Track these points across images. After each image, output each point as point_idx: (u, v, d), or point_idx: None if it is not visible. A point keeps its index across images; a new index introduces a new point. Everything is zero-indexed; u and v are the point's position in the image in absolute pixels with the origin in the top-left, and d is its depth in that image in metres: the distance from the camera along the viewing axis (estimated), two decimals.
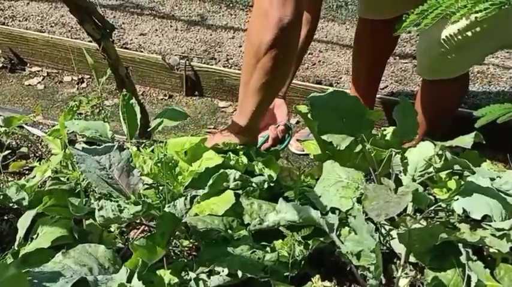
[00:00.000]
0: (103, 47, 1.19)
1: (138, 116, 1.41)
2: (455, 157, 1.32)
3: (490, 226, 1.12)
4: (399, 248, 1.24)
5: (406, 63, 2.42)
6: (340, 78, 2.25)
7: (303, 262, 1.13)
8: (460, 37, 1.49)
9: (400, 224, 1.32)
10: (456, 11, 1.15)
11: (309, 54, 2.40)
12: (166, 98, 2.28)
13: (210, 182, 1.14)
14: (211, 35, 2.52)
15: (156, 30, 2.54)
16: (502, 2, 1.10)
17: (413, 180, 1.25)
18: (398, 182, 1.35)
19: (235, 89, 2.22)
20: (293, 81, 2.19)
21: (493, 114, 1.33)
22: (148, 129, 1.48)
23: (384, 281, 1.22)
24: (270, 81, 1.35)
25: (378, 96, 2.07)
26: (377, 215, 1.03)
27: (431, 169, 1.31)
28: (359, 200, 1.27)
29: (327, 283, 1.11)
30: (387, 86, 2.23)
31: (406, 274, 1.24)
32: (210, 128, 2.13)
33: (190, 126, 2.13)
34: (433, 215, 1.38)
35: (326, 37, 2.52)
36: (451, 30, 1.48)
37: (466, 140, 1.42)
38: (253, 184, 1.22)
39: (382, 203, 1.08)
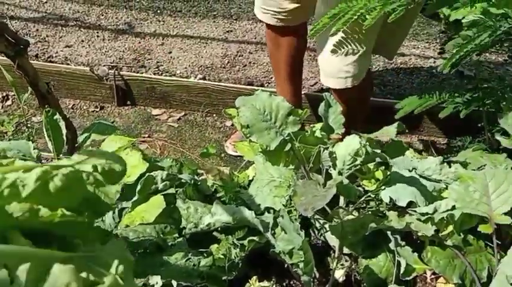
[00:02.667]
0: (18, 64, 1.15)
1: (64, 131, 1.37)
2: (376, 149, 1.38)
3: (415, 211, 1.17)
4: (333, 240, 1.28)
5: None
6: (271, 78, 2.29)
7: (240, 264, 1.15)
8: (356, 45, 1.55)
9: (333, 217, 1.36)
10: (366, 13, 1.20)
11: (239, 56, 2.42)
12: (98, 109, 2.23)
13: (138, 187, 1.13)
14: (139, 42, 2.49)
15: (83, 41, 2.48)
16: (409, 2, 1.16)
17: (340, 173, 1.29)
18: (329, 177, 1.39)
19: (167, 96, 2.21)
20: (225, 83, 2.21)
21: (410, 106, 1.41)
22: (76, 145, 1.44)
23: (320, 275, 1.26)
24: None
25: (307, 93, 2.12)
26: (305, 210, 1.06)
27: (358, 162, 1.36)
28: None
29: (265, 283, 1.12)
30: (316, 83, 2.28)
31: (342, 265, 1.28)
32: (144, 137, 2.11)
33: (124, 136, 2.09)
34: (364, 205, 1.43)
35: (255, 38, 2.55)
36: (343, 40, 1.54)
37: (390, 131, 1.49)
38: (182, 181, 1.22)
39: (310, 198, 1.11)
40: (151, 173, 1.19)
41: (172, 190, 1.20)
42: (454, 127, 1.47)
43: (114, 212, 1.07)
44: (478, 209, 1.06)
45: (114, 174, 0.46)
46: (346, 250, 1.30)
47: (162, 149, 2.06)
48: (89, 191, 0.44)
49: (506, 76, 1.54)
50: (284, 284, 1.25)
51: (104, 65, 2.25)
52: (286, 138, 1.38)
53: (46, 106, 1.38)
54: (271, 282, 1.15)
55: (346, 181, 1.19)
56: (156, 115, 2.22)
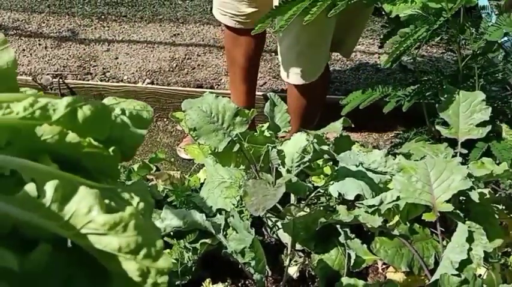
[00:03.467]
0: None
1: None
2: (324, 146, 1.41)
3: (362, 204, 1.20)
4: (285, 238, 1.30)
5: None
6: (221, 80, 2.28)
7: (193, 268, 1.14)
8: (314, 39, 1.57)
9: (285, 215, 1.37)
10: (308, 10, 1.22)
11: (188, 59, 2.40)
12: None
13: None
14: (84, 49, 2.42)
15: (24, 50, 2.39)
16: None
17: (288, 171, 1.31)
18: (279, 175, 1.40)
19: None
20: (174, 87, 2.19)
21: (355, 101, 1.44)
22: None
23: (275, 272, 1.27)
24: None
25: (257, 93, 2.13)
26: (256, 210, 1.07)
27: (306, 159, 1.38)
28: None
29: (219, 285, 1.12)
30: (266, 82, 2.30)
31: (295, 261, 1.30)
32: None
33: None
34: (315, 201, 1.46)
35: (203, 41, 2.54)
36: (304, 35, 1.56)
37: (336, 127, 1.51)
38: None
39: (261, 198, 1.12)
40: None
41: None
42: (399, 120, 1.51)
43: None
44: (421, 199, 1.10)
45: (141, 120, 0.46)
46: (299, 247, 1.32)
47: None
48: (115, 130, 0.44)
49: (444, 68, 1.60)
50: (239, 284, 1.26)
51: (48, 74, 2.18)
52: (234, 139, 1.38)
53: None
54: (226, 283, 1.15)
55: (295, 179, 1.21)
56: None
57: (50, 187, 0.35)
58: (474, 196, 1.09)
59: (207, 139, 1.34)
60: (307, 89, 1.69)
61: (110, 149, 0.42)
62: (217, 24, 2.71)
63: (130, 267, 0.36)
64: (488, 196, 1.29)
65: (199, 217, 1.10)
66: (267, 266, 1.09)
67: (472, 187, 1.07)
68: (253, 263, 0.99)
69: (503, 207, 1.36)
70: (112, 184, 0.43)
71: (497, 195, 1.46)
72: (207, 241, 1.12)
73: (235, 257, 1.04)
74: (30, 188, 0.35)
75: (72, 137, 0.39)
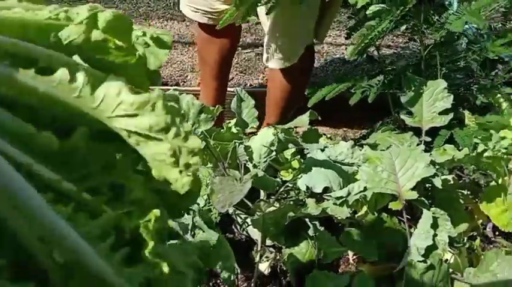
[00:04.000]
0: None
1: None
2: (287, 137, 1.40)
3: (330, 196, 1.20)
4: (255, 234, 1.29)
5: (248, 52, 2.50)
6: (186, 76, 2.26)
7: None
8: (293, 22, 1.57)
9: (255, 211, 1.36)
10: None
11: None
12: None
13: None
14: None
15: None
16: None
17: (256, 166, 1.30)
18: (248, 171, 1.39)
19: None
20: None
21: (321, 93, 1.44)
22: None
23: (246, 269, 1.26)
24: None
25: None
26: (222, 207, 1.06)
27: (274, 153, 1.37)
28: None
29: None
30: (233, 77, 2.28)
31: (266, 257, 1.29)
32: None
33: None
34: (285, 196, 1.45)
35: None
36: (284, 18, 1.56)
37: (303, 120, 1.51)
38: None
39: (227, 194, 1.11)
40: None
41: None
42: (366, 112, 1.52)
43: None
44: (387, 188, 1.10)
45: (162, 43, 0.46)
46: (269, 242, 1.31)
47: None
48: (138, 46, 0.44)
49: (410, 58, 1.62)
50: (210, 283, 1.24)
51: None
52: (200, 136, 1.36)
53: None
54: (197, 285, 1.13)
55: (261, 173, 1.20)
56: None
57: (81, 74, 0.36)
58: (437, 182, 1.10)
59: None
60: (287, 73, 1.68)
61: (136, 53, 0.41)
62: (182, 20, 2.67)
63: (163, 148, 0.37)
64: (452, 182, 1.31)
65: None
66: (236, 264, 1.08)
67: (435, 174, 1.08)
68: (220, 262, 0.98)
69: (468, 192, 1.39)
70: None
71: (461, 181, 1.49)
72: (175, 242, 1.10)
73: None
74: (63, 72, 0.36)
75: (97, 34, 0.39)
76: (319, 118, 1.50)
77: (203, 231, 1.04)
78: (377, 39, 1.44)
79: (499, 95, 1.45)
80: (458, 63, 1.39)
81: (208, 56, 1.85)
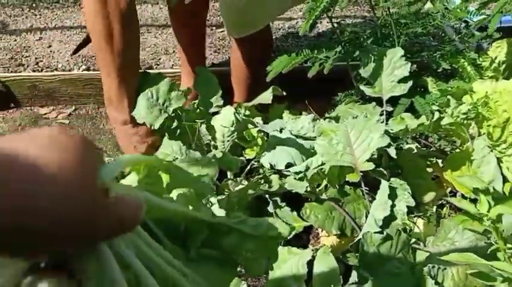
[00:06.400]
0: None
1: None
2: (256, 117, 1.40)
3: (289, 171, 1.20)
4: (221, 213, 1.29)
5: (223, 31, 2.47)
6: (160, 59, 2.24)
7: None
8: None
9: (223, 190, 1.37)
10: None
11: None
12: None
13: None
14: (15, 40, 2.33)
15: None
16: None
17: (216, 147, 1.30)
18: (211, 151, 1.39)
19: (53, 93, 2.10)
20: None
21: (279, 67, 1.42)
22: None
23: None
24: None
25: None
26: None
27: (235, 133, 1.37)
28: None
29: None
30: (207, 57, 2.26)
31: None
32: None
33: None
34: (253, 174, 1.45)
35: (141, 20, 2.47)
36: None
37: (266, 97, 1.50)
38: None
39: None
40: None
41: None
42: (329, 84, 1.51)
43: None
44: (343, 160, 1.10)
45: None
46: None
47: None
48: None
49: (367, 27, 1.59)
50: None
51: None
52: (172, 115, 1.35)
53: None
54: None
55: (219, 154, 1.19)
56: (44, 114, 2.11)
57: None
58: (392, 152, 1.10)
59: (146, 117, 1.31)
60: (250, 48, 1.66)
61: None
62: (155, 3, 2.63)
63: None
64: (415, 151, 1.31)
65: None
66: None
67: (389, 144, 1.07)
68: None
69: (438, 160, 1.39)
70: None
71: (431, 149, 1.48)
72: None
73: None
74: None
75: None
76: (284, 93, 1.49)
77: None
78: (327, 11, 1.41)
79: (462, 61, 1.43)
80: (414, 29, 1.37)
81: (183, 35, 1.85)
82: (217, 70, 2.05)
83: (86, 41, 1.62)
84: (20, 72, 2.13)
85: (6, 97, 2.09)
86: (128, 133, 1.43)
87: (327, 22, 2.40)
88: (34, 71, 2.15)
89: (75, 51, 1.84)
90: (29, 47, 2.29)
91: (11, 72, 2.13)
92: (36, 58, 2.23)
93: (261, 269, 0.51)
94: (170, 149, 1.35)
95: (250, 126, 1.29)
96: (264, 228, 0.52)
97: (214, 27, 2.48)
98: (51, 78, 2.07)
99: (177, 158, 1.27)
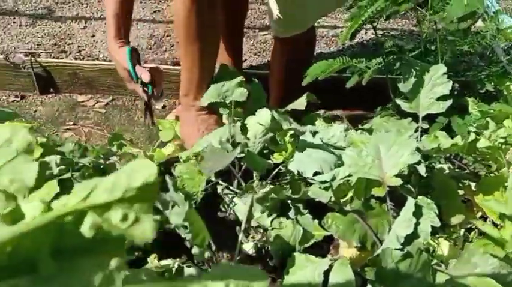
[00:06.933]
0: None
1: None
2: (286, 121, 1.38)
3: (314, 179, 1.18)
4: (241, 214, 1.28)
5: (265, 35, 2.48)
6: None
7: (143, 245, 1.13)
8: None
9: (247, 191, 1.36)
10: None
11: (167, 36, 2.38)
12: (18, 99, 2.15)
13: None
14: (60, 27, 2.40)
15: None
16: None
17: (247, 145, 1.29)
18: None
19: (92, 81, 2.15)
20: (151, 65, 2.16)
21: (316, 72, 1.41)
22: None
23: (232, 249, 1.26)
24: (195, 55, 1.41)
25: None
26: (210, 171, 1.08)
27: (269, 134, 1.36)
28: None
29: (167, 261, 1.11)
30: (246, 59, 2.27)
31: (253, 238, 1.29)
32: (69, 125, 2.05)
33: (48, 126, 2.03)
34: (279, 178, 1.44)
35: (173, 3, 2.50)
36: None
37: (300, 103, 1.49)
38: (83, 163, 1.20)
39: (215, 161, 1.12)
40: (45, 159, 1.15)
41: (68, 175, 1.16)
42: (366, 96, 1.48)
43: None
44: (371, 173, 1.08)
45: None
46: (256, 224, 1.31)
47: (88, 136, 2.01)
48: None
49: (412, 41, 1.56)
50: (195, 261, 1.25)
51: (21, 52, 2.17)
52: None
53: None
54: (177, 259, 1.14)
55: (250, 147, 1.19)
56: (82, 102, 2.16)
57: None
58: (422, 169, 1.06)
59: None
60: (292, 48, 1.66)
61: None
62: None
63: None
64: (447, 171, 1.27)
65: None
66: (211, 242, 1.07)
67: (419, 161, 1.04)
68: (189, 236, 0.98)
69: (471, 183, 1.34)
70: None
71: (465, 172, 1.44)
72: (156, 217, 1.11)
73: (178, 231, 1.03)
74: None
75: None
76: (319, 101, 1.48)
77: (178, 206, 1.04)
78: (371, 21, 1.39)
79: (508, 83, 1.38)
80: (461, 47, 1.33)
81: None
82: (255, 73, 2.06)
83: (149, 107, 1.65)
84: (62, 59, 2.18)
85: (47, 82, 2.15)
86: (198, 119, 1.49)
87: (372, 33, 2.36)
88: (76, 58, 2.20)
89: (145, 117, 1.81)
90: (73, 34, 2.35)
91: (53, 58, 2.19)
92: (78, 46, 2.29)
93: None
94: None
95: (285, 126, 1.28)
96: None
97: (257, 30, 2.49)
98: (91, 67, 2.12)
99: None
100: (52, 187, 1.10)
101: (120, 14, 1.57)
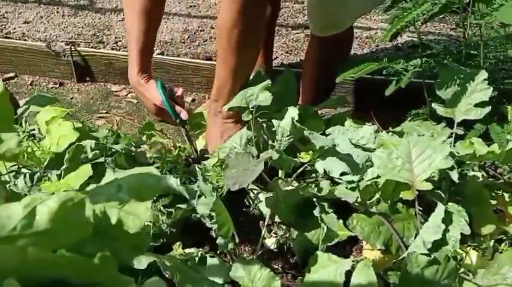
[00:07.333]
0: None
1: None
2: (316, 120, 1.37)
3: (341, 179, 1.17)
4: (266, 209, 1.28)
5: (298, 33, 2.46)
6: None
7: (168, 231, 1.14)
8: None
9: (273, 188, 1.35)
10: None
11: (201, 31, 2.39)
12: (57, 86, 2.20)
13: (66, 156, 1.13)
14: (99, 18, 2.45)
15: (42, 17, 2.44)
16: None
17: (272, 147, 1.29)
18: (267, 148, 1.38)
19: (126, 72, 2.18)
20: (183, 59, 2.18)
21: (353, 70, 1.40)
22: (15, 116, 1.43)
23: (255, 243, 1.26)
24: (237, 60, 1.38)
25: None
26: (233, 184, 1.06)
27: (296, 134, 1.35)
28: None
29: (191, 250, 1.12)
30: (277, 57, 2.26)
31: (275, 233, 1.28)
32: (102, 113, 2.09)
33: (82, 113, 2.07)
34: (304, 177, 1.43)
35: (219, 13, 2.51)
36: None
37: (330, 103, 1.48)
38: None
39: (241, 171, 1.10)
40: (81, 143, 1.18)
41: (102, 159, 1.19)
42: (399, 99, 1.46)
43: (25, 176, 1.06)
44: (400, 176, 1.06)
45: None
46: (280, 220, 1.30)
47: (120, 125, 2.04)
48: None
49: (452, 45, 1.52)
50: (218, 252, 1.25)
51: (62, 41, 2.22)
52: (251, 109, 1.37)
53: None
54: (200, 249, 1.14)
55: (275, 155, 1.18)
56: (116, 91, 2.19)
57: None
58: (454, 176, 1.04)
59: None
60: (329, 47, 1.65)
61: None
62: None
63: None
64: (481, 179, 1.24)
65: (173, 181, 1.10)
66: (235, 233, 1.08)
67: (452, 167, 1.02)
68: (215, 226, 0.98)
69: (502, 193, 1.30)
70: None
71: (499, 181, 1.39)
72: (182, 206, 1.12)
73: (204, 221, 1.03)
74: None
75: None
76: (350, 103, 1.47)
77: (205, 196, 1.05)
78: (413, 24, 1.36)
79: None
80: (503, 53, 1.29)
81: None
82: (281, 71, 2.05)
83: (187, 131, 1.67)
84: (99, 49, 2.23)
85: (84, 71, 2.19)
86: (223, 127, 1.46)
87: (407, 36, 2.33)
88: (112, 49, 2.24)
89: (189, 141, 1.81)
90: (111, 26, 2.40)
91: (92, 47, 2.23)
92: (116, 37, 2.33)
93: None
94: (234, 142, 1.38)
95: (306, 133, 1.26)
96: None
97: (290, 28, 2.48)
98: (127, 57, 2.14)
99: (234, 148, 1.27)
100: (86, 170, 1.13)
101: (146, 47, 1.57)
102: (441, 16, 1.54)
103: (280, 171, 1.37)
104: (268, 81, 1.39)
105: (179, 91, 1.62)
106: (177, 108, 1.55)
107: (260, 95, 1.39)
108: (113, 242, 0.45)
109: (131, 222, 0.45)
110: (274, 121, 1.38)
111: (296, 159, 1.34)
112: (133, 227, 0.44)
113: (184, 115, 1.55)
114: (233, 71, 1.40)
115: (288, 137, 1.33)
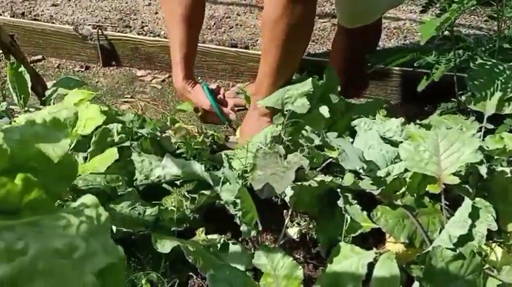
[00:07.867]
0: None
1: (29, 84, 1.38)
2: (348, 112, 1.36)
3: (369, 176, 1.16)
4: (289, 199, 1.28)
5: (325, 22, 2.44)
6: (257, 41, 2.25)
7: (192, 217, 1.15)
8: None
9: (298, 178, 1.35)
10: None
11: (227, 18, 2.38)
12: (83, 69, 2.22)
13: (93, 139, 1.14)
14: (127, 3, 2.46)
15: (69, 0, 2.46)
16: None
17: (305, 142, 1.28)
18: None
19: (151, 57, 2.19)
20: (208, 45, 2.18)
21: (380, 60, 1.38)
22: (43, 98, 1.45)
23: (278, 232, 1.26)
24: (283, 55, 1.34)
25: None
26: (260, 191, 1.05)
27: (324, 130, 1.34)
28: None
29: (213, 236, 1.13)
30: None
31: (298, 223, 1.28)
32: (127, 98, 2.11)
33: (107, 97, 2.09)
34: (331, 169, 1.42)
35: (245, 0, 2.50)
36: None
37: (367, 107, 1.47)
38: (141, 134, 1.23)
39: (268, 175, 1.10)
40: (107, 126, 1.19)
41: (128, 143, 1.20)
42: (428, 93, 1.44)
43: None
44: (427, 169, 1.04)
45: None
46: (303, 210, 1.30)
47: (144, 110, 2.06)
48: None
49: (485, 38, 1.49)
50: (240, 239, 1.26)
51: (89, 25, 2.24)
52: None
53: (11, 59, 1.39)
54: (222, 236, 1.15)
55: (305, 162, 1.17)
56: (141, 76, 2.21)
57: None
58: (483, 170, 1.02)
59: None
60: (356, 39, 1.64)
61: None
62: None
63: None
64: (509, 175, 1.21)
65: (198, 167, 1.11)
66: (258, 221, 1.08)
67: (481, 161, 1.00)
68: (239, 213, 0.99)
69: None
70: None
71: None
72: (206, 192, 1.13)
73: (228, 207, 1.04)
74: None
75: None
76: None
77: (229, 183, 1.05)
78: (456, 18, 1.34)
79: None
80: None
81: None
82: (312, 60, 2.03)
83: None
84: (126, 33, 2.24)
85: (110, 55, 2.21)
86: (258, 122, 1.44)
87: None
88: (139, 34, 2.25)
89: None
90: (138, 10, 2.41)
91: (118, 32, 2.25)
92: (142, 22, 2.34)
93: None
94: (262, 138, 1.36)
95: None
96: None
97: (316, 17, 2.45)
98: (152, 43, 2.16)
99: (260, 148, 1.26)
100: (112, 153, 1.14)
101: (188, 53, 1.55)
102: (472, 8, 1.51)
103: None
104: (310, 88, 1.34)
105: (221, 91, 1.63)
106: (225, 110, 1.57)
107: (298, 100, 1.34)
108: (36, 175, 0.42)
109: (51, 151, 0.43)
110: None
111: (324, 153, 1.33)
112: (56, 155, 0.43)
113: (233, 116, 1.56)
114: (273, 66, 1.36)
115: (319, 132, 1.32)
